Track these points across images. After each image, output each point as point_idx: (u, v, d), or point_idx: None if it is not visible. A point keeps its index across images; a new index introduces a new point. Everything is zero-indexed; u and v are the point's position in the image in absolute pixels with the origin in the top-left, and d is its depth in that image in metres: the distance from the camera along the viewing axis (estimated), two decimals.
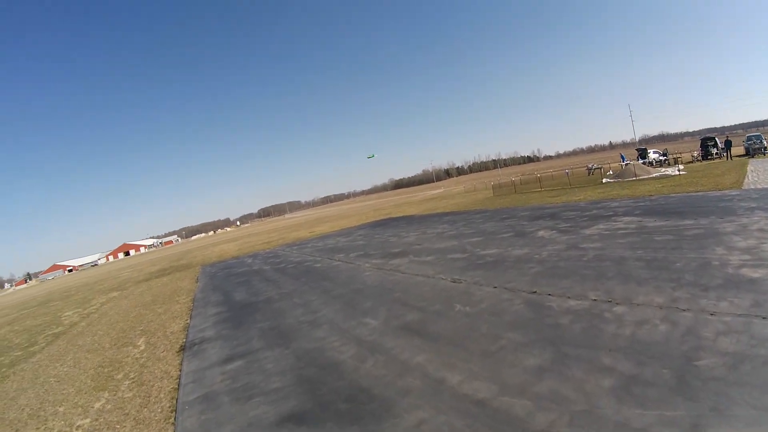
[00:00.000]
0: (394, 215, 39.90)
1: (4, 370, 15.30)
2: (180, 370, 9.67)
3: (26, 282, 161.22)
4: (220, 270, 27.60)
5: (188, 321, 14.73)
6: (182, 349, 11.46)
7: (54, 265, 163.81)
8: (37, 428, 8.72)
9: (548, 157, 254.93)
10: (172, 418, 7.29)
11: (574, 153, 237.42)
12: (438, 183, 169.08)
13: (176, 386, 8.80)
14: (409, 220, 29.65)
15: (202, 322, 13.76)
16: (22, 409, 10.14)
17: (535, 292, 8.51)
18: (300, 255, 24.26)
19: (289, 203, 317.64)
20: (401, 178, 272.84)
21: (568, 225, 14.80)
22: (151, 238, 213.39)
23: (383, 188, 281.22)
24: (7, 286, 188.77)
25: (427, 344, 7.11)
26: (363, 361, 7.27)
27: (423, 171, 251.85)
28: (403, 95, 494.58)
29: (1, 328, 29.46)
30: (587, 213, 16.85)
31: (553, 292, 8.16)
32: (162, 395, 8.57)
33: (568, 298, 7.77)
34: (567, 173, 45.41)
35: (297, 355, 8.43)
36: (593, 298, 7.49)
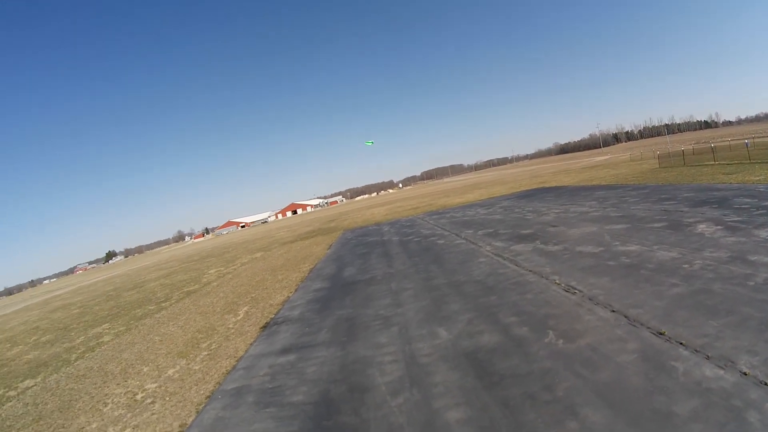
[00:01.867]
0: (548, 184, 45.68)
1: (132, 322, 21.53)
2: (244, 353, 11.59)
3: (203, 236, 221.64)
4: (355, 237, 34.26)
5: (290, 294, 17.78)
6: (265, 326, 13.69)
7: (229, 221, 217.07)
8: (117, 384, 11.98)
9: (727, 123, 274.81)
10: (202, 406, 8.76)
11: (757, 119, 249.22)
12: (604, 149, 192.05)
13: (229, 370, 10.50)
14: (558, 193, 33.95)
15: (299, 298, 16.59)
16: (119, 363, 14.12)
17: (663, 333, 7.22)
18: (432, 227, 28.98)
19: (452, 166, 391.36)
20: (567, 142, 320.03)
21: (739, 219, 14.57)
22: (317, 198, 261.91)
23: (547, 153, 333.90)
24: (187, 239, 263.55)
25: (471, 397, 6.57)
26: (394, 395, 7.20)
27: (590, 135, 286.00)
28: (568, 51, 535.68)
29: (157, 280, 41.22)
30: None
31: (689, 339, 6.88)
32: (213, 377, 10.33)
33: (707, 358, 6.35)
34: (747, 144, 48.01)
35: (342, 364, 9.11)
36: (745, 371, 5.92)
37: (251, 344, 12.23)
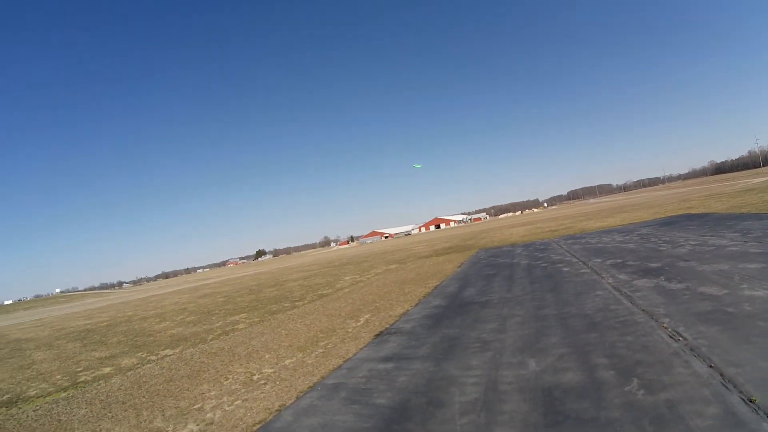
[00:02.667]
0: (694, 210, 44.14)
1: (266, 315, 24.48)
2: (353, 355, 12.94)
3: (348, 243, 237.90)
4: (487, 257, 35.20)
5: (411, 307, 18.91)
6: (378, 335, 14.94)
7: (373, 231, 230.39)
8: (241, 364, 14.20)
9: None
10: (302, 393, 10.19)
11: None
12: (764, 169, 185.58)
13: (335, 368, 11.90)
14: (702, 221, 32.98)
15: (416, 312, 17.66)
16: (246, 348, 16.63)
17: (753, 401, 6.48)
18: (564, 253, 29.01)
19: (599, 186, 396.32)
20: (723, 160, 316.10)
21: None
22: (461, 213, 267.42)
23: (702, 173, 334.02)
24: (332, 244, 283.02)
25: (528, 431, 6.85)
26: (463, 414, 7.67)
27: (748, 152, 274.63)
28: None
29: (296, 281, 45.30)
30: None
31: None
32: (320, 371, 11.83)
33: None
34: None
35: (430, 378, 9.87)
36: None
37: (361, 349, 13.57)
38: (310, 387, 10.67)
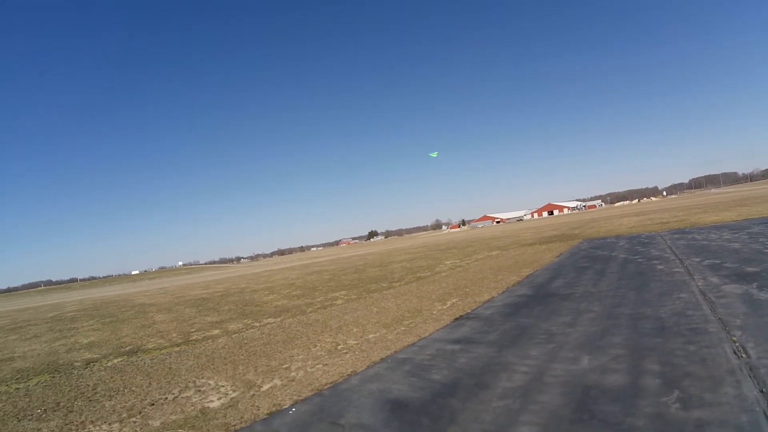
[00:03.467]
0: None
1: (364, 293, 26.08)
2: (428, 335, 13.93)
3: (459, 227, 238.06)
4: (588, 248, 34.43)
5: (497, 294, 19.41)
6: (457, 318, 15.73)
7: (485, 215, 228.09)
8: (330, 335, 15.75)
9: None
10: (373, 364, 11.36)
11: None
12: None
13: (408, 345, 13.00)
14: None
15: (500, 300, 18.14)
16: (339, 321, 18.21)
17: None
18: (664, 248, 28.00)
19: (724, 174, 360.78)
20: None
21: None
22: (576, 200, 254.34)
23: None
24: (444, 228, 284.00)
25: (553, 424, 6.80)
26: (501, 398, 8.19)
27: None
28: None
29: (400, 263, 46.84)
30: None
31: None
32: (395, 347, 13.00)
33: None
34: None
35: (487, 363, 10.41)
36: None
37: (437, 330, 14.50)
38: (382, 359, 11.89)
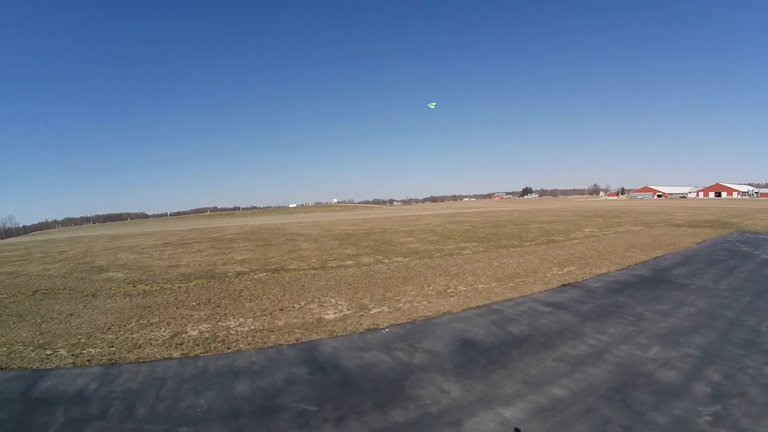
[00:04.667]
0: None
1: (493, 248, 27.37)
2: (527, 294, 14.97)
3: (617, 195, 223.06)
4: (734, 241, 29.73)
5: (615, 270, 19.19)
6: (565, 285, 16.31)
7: (646, 186, 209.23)
8: (445, 279, 17.46)
9: None
10: (453, 311, 12.89)
11: None
12: None
13: (498, 301, 14.26)
14: None
15: (614, 276, 17.98)
16: (458, 269, 19.93)
17: None
18: None
19: None
20: None
21: None
22: (748, 184, 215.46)
23: None
24: (601, 194, 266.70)
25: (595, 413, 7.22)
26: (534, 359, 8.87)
27: None
28: None
29: (540, 224, 46.54)
30: None
31: None
32: (487, 300, 14.34)
33: None
34: None
35: (549, 329, 11.14)
36: None
37: (540, 291, 15.40)
38: (478, 306, 13.36)
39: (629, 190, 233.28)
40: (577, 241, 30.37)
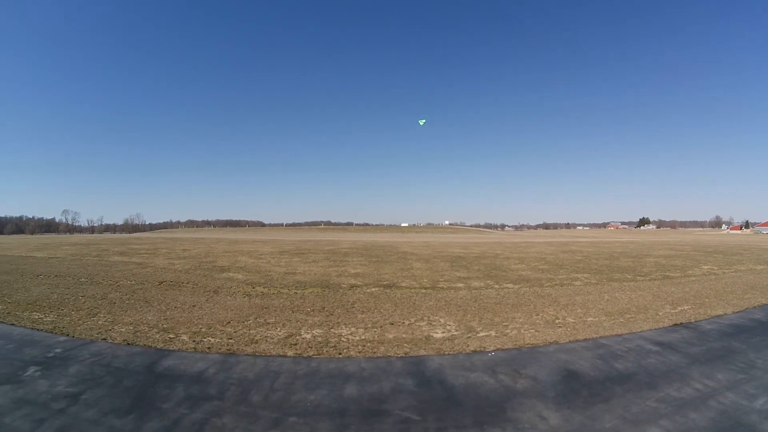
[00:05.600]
0: None
1: (605, 281, 26.03)
2: (635, 331, 14.08)
3: (741, 229, 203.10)
4: None
5: (731, 312, 17.53)
6: (675, 324, 15.09)
7: None
8: (554, 309, 16.91)
9: None
10: (559, 341, 12.37)
11: None
12: None
13: (606, 336, 13.50)
14: None
15: (729, 319, 16.45)
16: (568, 300, 19.21)
17: None
18: None
19: None
20: None
21: None
22: None
23: None
24: (723, 227, 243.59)
25: None
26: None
27: None
28: None
29: (655, 258, 43.14)
30: None
31: None
32: (595, 334, 13.63)
33: None
34: None
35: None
36: None
37: (650, 329, 14.47)
38: (585, 339, 12.84)
39: (754, 224, 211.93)
40: (693, 278, 27.91)
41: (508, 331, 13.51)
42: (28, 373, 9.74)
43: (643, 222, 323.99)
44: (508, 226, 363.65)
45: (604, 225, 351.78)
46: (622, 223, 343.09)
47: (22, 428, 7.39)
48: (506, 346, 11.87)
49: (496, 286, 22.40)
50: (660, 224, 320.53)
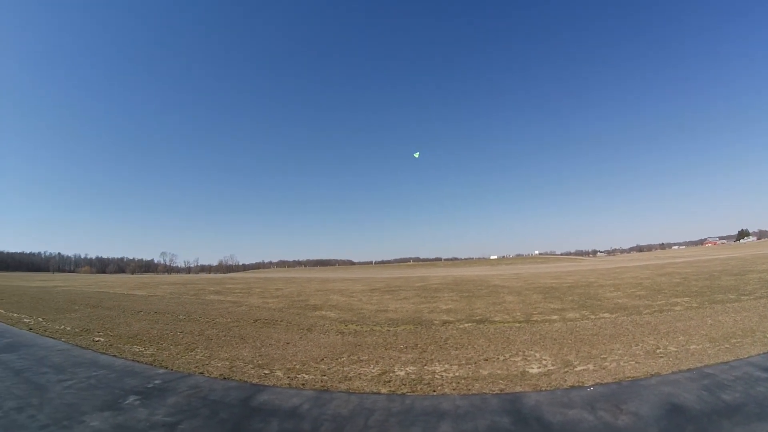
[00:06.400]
0: None
1: (707, 303, 24.03)
2: (742, 357, 12.75)
3: None
4: None
5: None
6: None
7: None
8: (654, 338, 15.78)
9: None
10: (661, 372, 11.49)
11: None
12: None
13: (710, 365, 12.26)
14: None
15: None
16: (669, 327, 17.83)
17: None
18: None
19: None
20: None
21: None
22: None
23: None
24: None
25: None
26: None
27: None
28: None
29: (759, 273, 39.30)
30: None
31: None
32: (698, 363, 12.42)
33: None
34: None
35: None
36: None
37: (759, 354, 13.20)
38: (689, 369, 11.85)
39: None
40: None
41: (606, 363, 12.75)
42: (128, 401, 10.40)
43: (743, 234, 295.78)
44: (600, 252, 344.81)
45: (701, 242, 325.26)
46: (720, 238, 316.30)
47: None
48: (605, 380, 11.21)
49: (592, 317, 21.33)
50: (761, 234, 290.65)
